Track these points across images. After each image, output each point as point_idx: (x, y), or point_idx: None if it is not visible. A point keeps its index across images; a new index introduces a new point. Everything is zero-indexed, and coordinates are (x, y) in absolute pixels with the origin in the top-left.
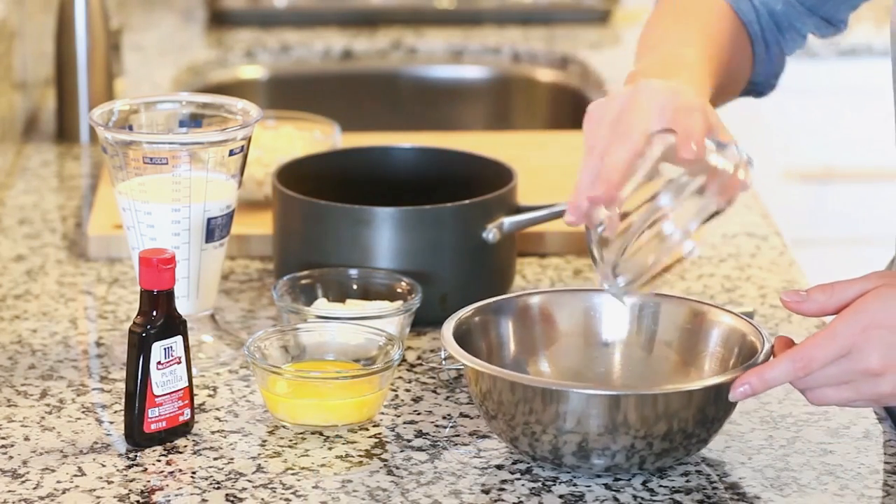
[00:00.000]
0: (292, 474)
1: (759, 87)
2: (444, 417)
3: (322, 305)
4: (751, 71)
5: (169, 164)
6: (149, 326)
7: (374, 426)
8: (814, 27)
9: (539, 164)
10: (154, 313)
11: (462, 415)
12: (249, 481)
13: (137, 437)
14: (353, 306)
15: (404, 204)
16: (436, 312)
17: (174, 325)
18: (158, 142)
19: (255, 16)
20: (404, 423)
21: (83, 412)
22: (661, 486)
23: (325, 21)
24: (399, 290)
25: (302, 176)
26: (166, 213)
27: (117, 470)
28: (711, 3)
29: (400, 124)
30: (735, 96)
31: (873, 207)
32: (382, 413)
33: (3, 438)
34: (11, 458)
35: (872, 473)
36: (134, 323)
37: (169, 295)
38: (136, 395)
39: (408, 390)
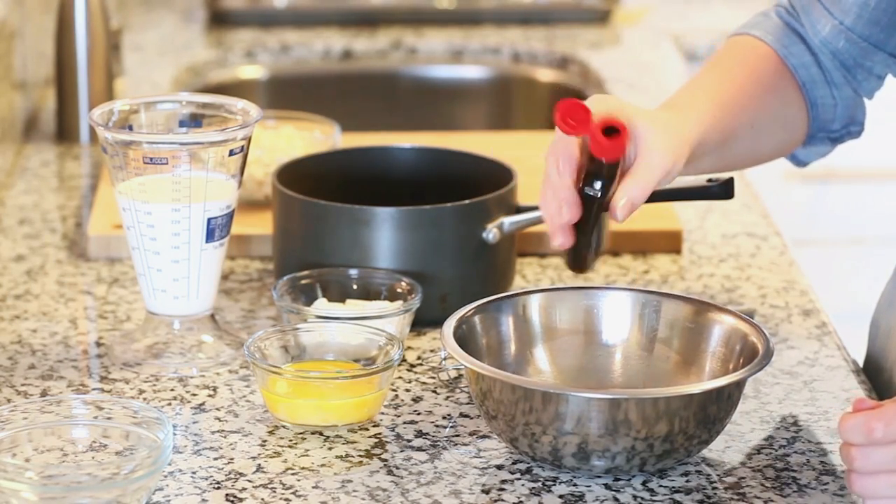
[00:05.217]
0: (292, 474)
1: (836, 133)
2: (444, 417)
3: (322, 305)
4: (806, 117)
5: (169, 164)
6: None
7: (374, 426)
8: (884, 65)
9: (539, 164)
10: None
11: (462, 415)
12: (249, 481)
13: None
14: (353, 306)
15: (404, 204)
16: (436, 312)
17: None
18: (158, 142)
19: (255, 16)
20: (404, 423)
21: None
22: (661, 486)
23: (325, 21)
24: (399, 290)
25: (302, 176)
26: (166, 213)
27: None
28: (757, 49)
29: (400, 124)
30: (789, 142)
31: (873, 207)
32: (382, 413)
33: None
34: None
35: None
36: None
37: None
38: None
39: (408, 390)
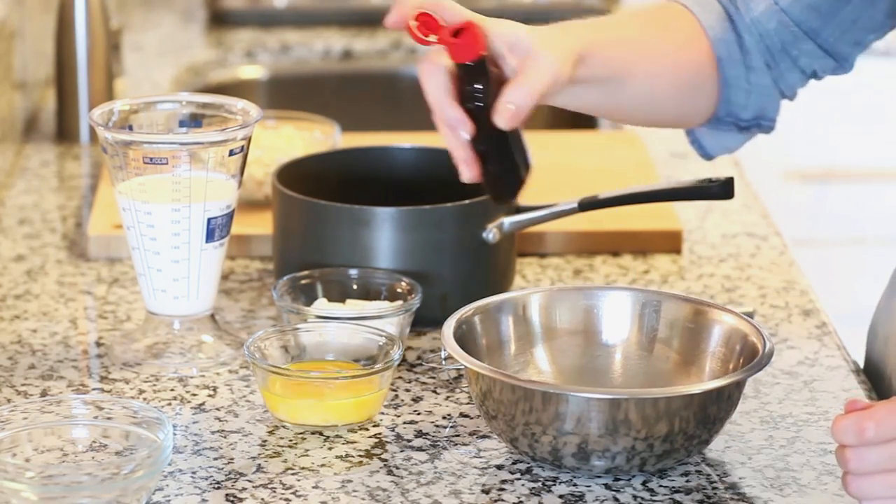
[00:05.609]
0: (292, 474)
1: (745, 123)
2: (444, 417)
3: (322, 305)
4: (716, 94)
5: (169, 164)
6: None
7: (374, 426)
8: (811, 57)
9: (539, 164)
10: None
11: (462, 415)
12: (249, 481)
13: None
14: (353, 306)
15: (404, 204)
16: (436, 312)
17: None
18: (158, 142)
19: (255, 16)
20: (404, 423)
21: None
22: (661, 486)
23: (325, 21)
24: (399, 290)
25: (302, 176)
26: (166, 213)
27: None
28: (680, 14)
29: (400, 124)
30: (693, 109)
31: (873, 207)
32: (382, 413)
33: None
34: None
35: None
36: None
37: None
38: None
39: (408, 390)
